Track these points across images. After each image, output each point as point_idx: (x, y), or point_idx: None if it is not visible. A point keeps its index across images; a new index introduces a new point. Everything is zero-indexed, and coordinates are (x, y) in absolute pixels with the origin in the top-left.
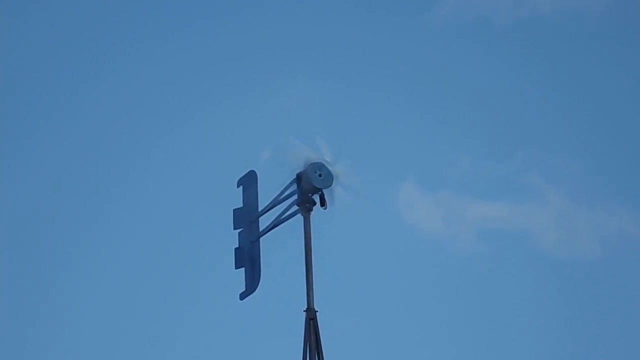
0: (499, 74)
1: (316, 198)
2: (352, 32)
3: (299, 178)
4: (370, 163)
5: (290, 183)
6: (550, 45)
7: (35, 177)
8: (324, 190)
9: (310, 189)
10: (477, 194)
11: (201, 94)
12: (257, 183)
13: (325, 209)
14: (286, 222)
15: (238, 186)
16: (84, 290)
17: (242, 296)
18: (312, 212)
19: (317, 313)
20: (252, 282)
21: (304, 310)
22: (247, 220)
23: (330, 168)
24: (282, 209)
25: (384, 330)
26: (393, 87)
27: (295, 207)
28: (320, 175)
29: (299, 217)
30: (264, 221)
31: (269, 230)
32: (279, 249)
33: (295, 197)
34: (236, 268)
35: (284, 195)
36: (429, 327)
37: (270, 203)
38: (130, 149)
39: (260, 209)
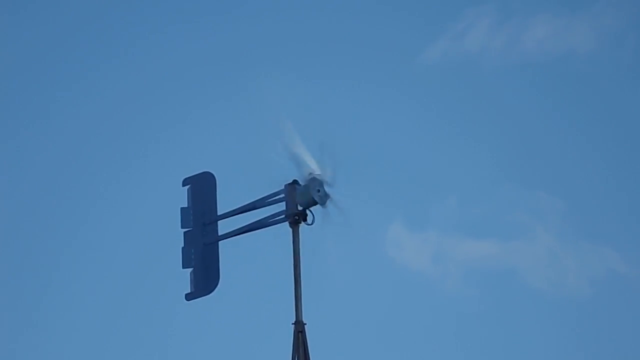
0: (484, 115)
1: (309, 212)
2: (343, 73)
3: (290, 189)
4: (357, 204)
5: (275, 193)
6: (536, 87)
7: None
8: (315, 206)
9: (306, 202)
10: (465, 233)
11: (178, 95)
12: (215, 186)
13: (310, 224)
14: (270, 233)
15: (184, 185)
16: (76, 290)
17: (189, 297)
18: (300, 226)
19: (305, 326)
20: (206, 285)
21: (293, 323)
22: (199, 221)
23: (327, 187)
24: (260, 218)
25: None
26: (378, 129)
27: (276, 218)
28: (319, 191)
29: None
30: (226, 225)
31: (235, 235)
32: (266, 259)
33: (281, 208)
34: (184, 268)
35: (262, 204)
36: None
37: (239, 209)
38: (119, 150)
39: (220, 212)
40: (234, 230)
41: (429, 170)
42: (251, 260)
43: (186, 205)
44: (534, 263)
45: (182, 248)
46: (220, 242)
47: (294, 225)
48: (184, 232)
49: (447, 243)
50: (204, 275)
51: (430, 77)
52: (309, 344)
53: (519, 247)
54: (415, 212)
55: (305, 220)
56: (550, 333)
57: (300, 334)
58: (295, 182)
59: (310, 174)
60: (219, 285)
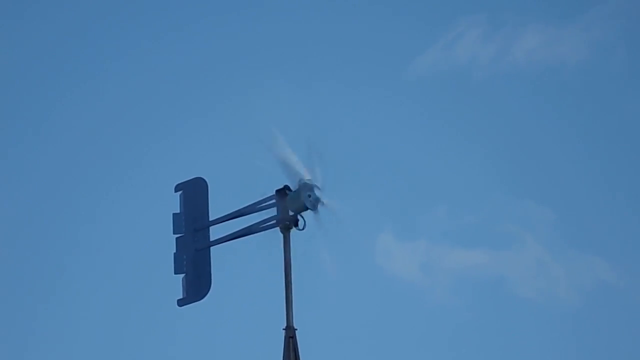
0: (475, 124)
1: (300, 217)
2: (335, 81)
3: (281, 195)
4: (347, 212)
5: (266, 199)
6: (527, 97)
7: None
8: (306, 212)
9: (298, 207)
10: (454, 242)
11: (171, 101)
12: (207, 192)
13: (302, 229)
14: (261, 238)
15: (176, 191)
16: (68, 296)
17: (181, 303)
18: (291, 231)
19: (296, 331)
20: (198, 290)
21: (284, 329)
22: (191, 227)
23: (318, 192)
24: (251, 223)
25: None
26: (368, 138)
27: (267, 224)
28: (309, 196)
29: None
30: (217, 231)
31: (226, 241)
32: (258, 265)
33: (273, 214)
34: (176, 273)
35: (253, 209)
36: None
37: (230, 215)
38: (120, 152)
39: (212, 218)
40: (225, 236)
41: (418, 179)
42: (243, 265)
43: (178, 211)
44: (524, 272)
45: (174, 254)
46: (212, 248)
47: (285, 230)
48: (176, 238)
49: (437, 252)
50: (196, 281)
51: (420, 86)
52: (299, 350)
53: (509, 257)
54: (404, 221)
55: (296, 225)
56: (540, 342)
57: (291, 339)
58: (286, 187)
59: (301, 179)
60: (210, 291)
